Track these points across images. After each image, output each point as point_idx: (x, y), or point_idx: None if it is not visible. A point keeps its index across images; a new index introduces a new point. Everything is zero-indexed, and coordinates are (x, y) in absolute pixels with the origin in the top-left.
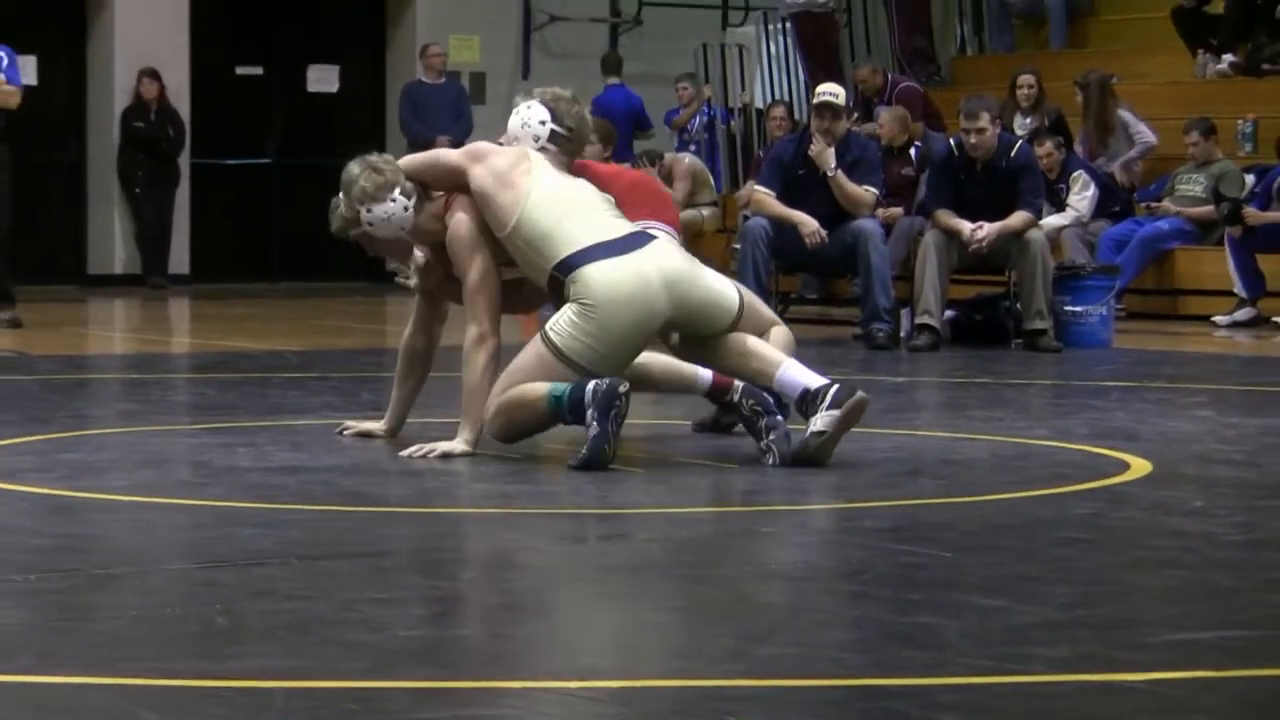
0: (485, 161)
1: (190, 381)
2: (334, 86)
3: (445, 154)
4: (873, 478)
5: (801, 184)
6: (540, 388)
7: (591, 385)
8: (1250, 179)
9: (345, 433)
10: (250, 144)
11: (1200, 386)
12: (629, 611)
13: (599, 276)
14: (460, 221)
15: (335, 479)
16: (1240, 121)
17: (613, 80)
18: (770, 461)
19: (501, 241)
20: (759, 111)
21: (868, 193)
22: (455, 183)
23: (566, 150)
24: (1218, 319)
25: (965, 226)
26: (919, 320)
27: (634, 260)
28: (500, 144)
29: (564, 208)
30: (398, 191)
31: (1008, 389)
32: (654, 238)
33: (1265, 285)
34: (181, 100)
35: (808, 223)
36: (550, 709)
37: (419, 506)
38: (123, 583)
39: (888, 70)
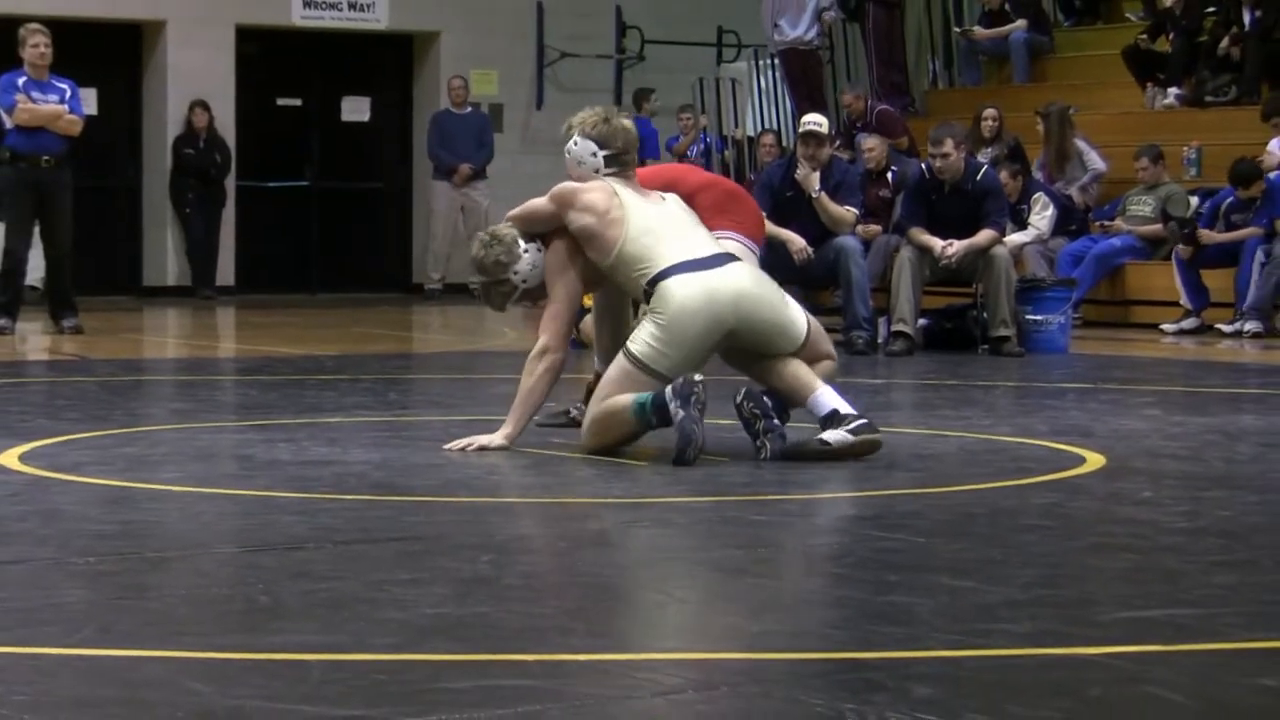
0: (579, 202)
1: (235, 383)
2: (366, 116)
3: (539, 205)
4: (853, 470)
5: (789, 205)
6: (625, 399)
7: (669, 386)
8: (1195, 200)
9: (467, 448)
10: (290, 169)
11: (1149, 388)
12: (634, 592)
13: (675, 290)
14: (556, 246)
15: (367, 471)
16: (1186, 148)
17: (641, 114)
18: (762, 455)
19: (604, 270)
20: (750, 139)
21: (849, 212)
22: (555, 225)
23: (624, 163)
24: (1165, 327)
25: (936, 243)
26: (895, 328)
27: (709, 276)
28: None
29: (658, 233)
30: (523, 244)
31: (975, 390)
32: (736, 259)
33: (1209, 297)
34: (228, 129)
35: (796, 240)
36: (562, 680)
37: (444, 496)
38: (174, 565)
39: (868, 97)
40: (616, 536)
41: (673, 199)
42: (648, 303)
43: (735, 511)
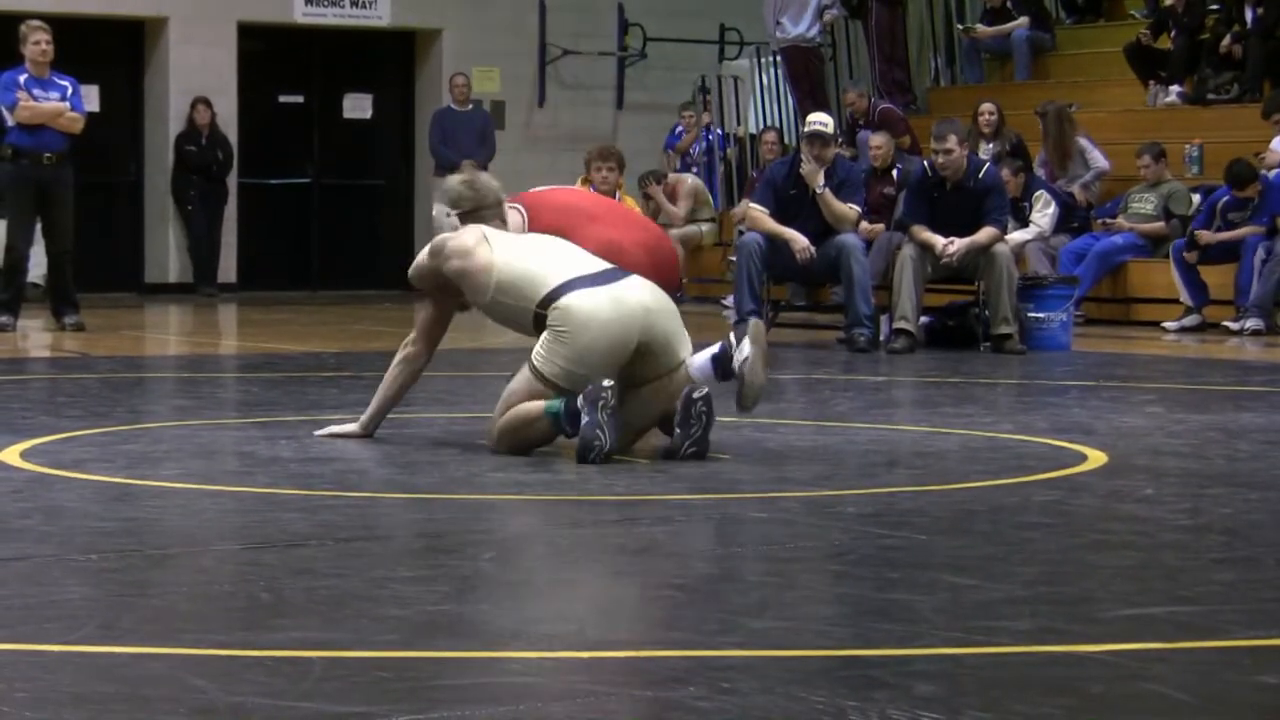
0: (447, 249)
1: (237, 380)
2: (368, 113)
3: (420, 261)
4: (854, 468)
5: (792, 202)
6: (537, 406)
7: (582, 393)
8: (1197, 198)
9: (319, 433)
10: (292, 166)
11: (1150, 386)
12: (633, 589)
13: (578, 304)
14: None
15: (369, 468)
16: (1188, 146)
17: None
18: (686, 451)
19: (484, 310)
20: (753, 136)
21: (852, 210)
22: (436, 283)
23: (482, 218)
24: (1166, 325)
25: (938, 241)
26: (896, 325)
27: (612, 289)
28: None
29: (536, 257)
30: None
31: (976, 388)
32: (629, 273)
33: (1209, 294)
34: (230, 126)
35: (798, 239)
36: (561, 677)
37: (444, 494)
38: (176, 562)
39: (871, 95)
40: (617, 534)
41: (544, 236)
42: (539, 329)
43: (735, 509)
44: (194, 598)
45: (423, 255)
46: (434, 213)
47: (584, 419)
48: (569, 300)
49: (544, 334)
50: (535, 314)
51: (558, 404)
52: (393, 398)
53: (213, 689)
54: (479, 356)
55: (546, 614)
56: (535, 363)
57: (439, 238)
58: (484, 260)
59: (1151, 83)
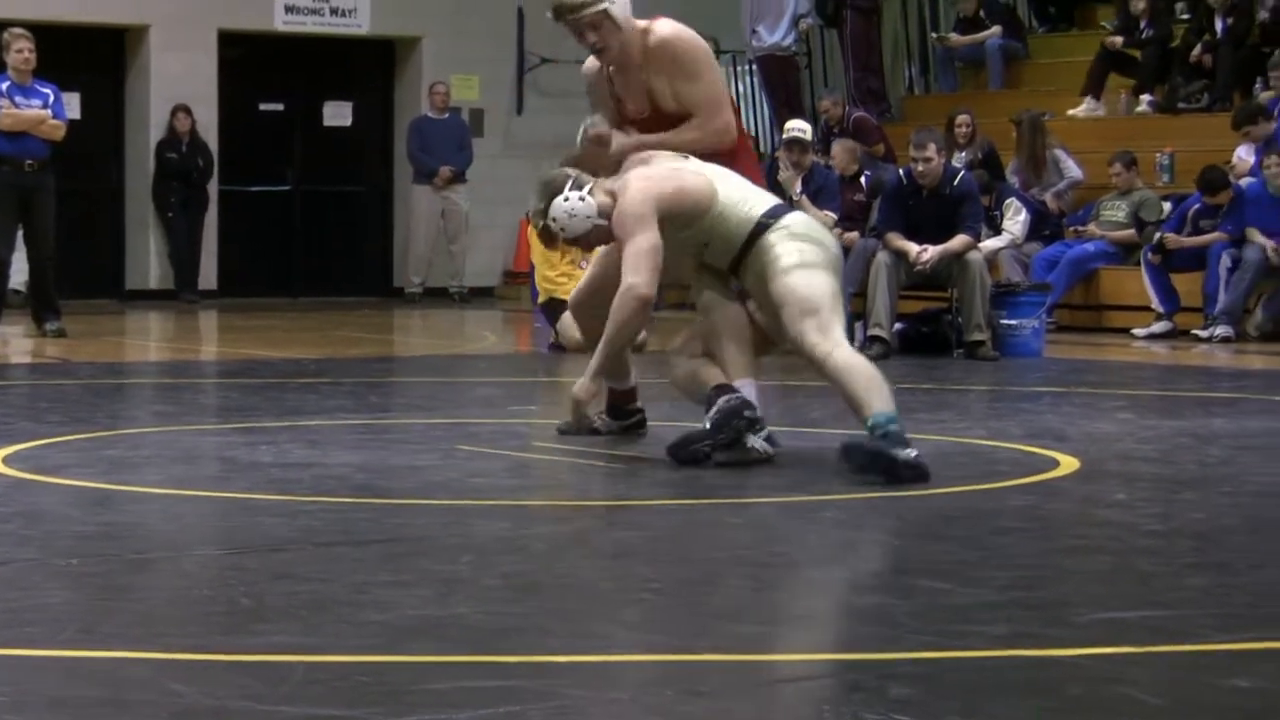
0: (655, 178)
1: (217, 386)
2: (348, 121)
3: (643, 227)
4: (830, 473)
5: None
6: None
7: (900, 442)
8: (1168, 206)
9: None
10: (273, 173)
11: (1122, 392)
12: (612, 593)
13: (808, 222)
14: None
15: (348, 474)
16: (1159, 154)
17: None
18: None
19: (695, 233)
20: None
21: (828, 216)
22: (637, 226)
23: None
24: (1137, 332)
25: (913, 249)
26: (871, 332)
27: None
28: (559, 230)
29: (727, 175)
30: (570, 191)
31: (950, 394)
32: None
33: (1179, 301)
34: (210, 133)
35: None
36: (543, 680)
37: (423, 499)
38: (157, 567)
39: (846, 103)
40: (596, 538)
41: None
42: (750, 244)
43: (713, 514)
44: (174, 602)
45: (630, 204)
46: (574, 208)
47: (906, 454)
48: (798, 217)
49: (789, 242)
50: (759, 224)
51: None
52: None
53: (193, 693)
54: (457, 363)
55: (525, 618)
56: (811, 261)
57: (627, 180)
58: (698, 178)
59: (1124, 91)
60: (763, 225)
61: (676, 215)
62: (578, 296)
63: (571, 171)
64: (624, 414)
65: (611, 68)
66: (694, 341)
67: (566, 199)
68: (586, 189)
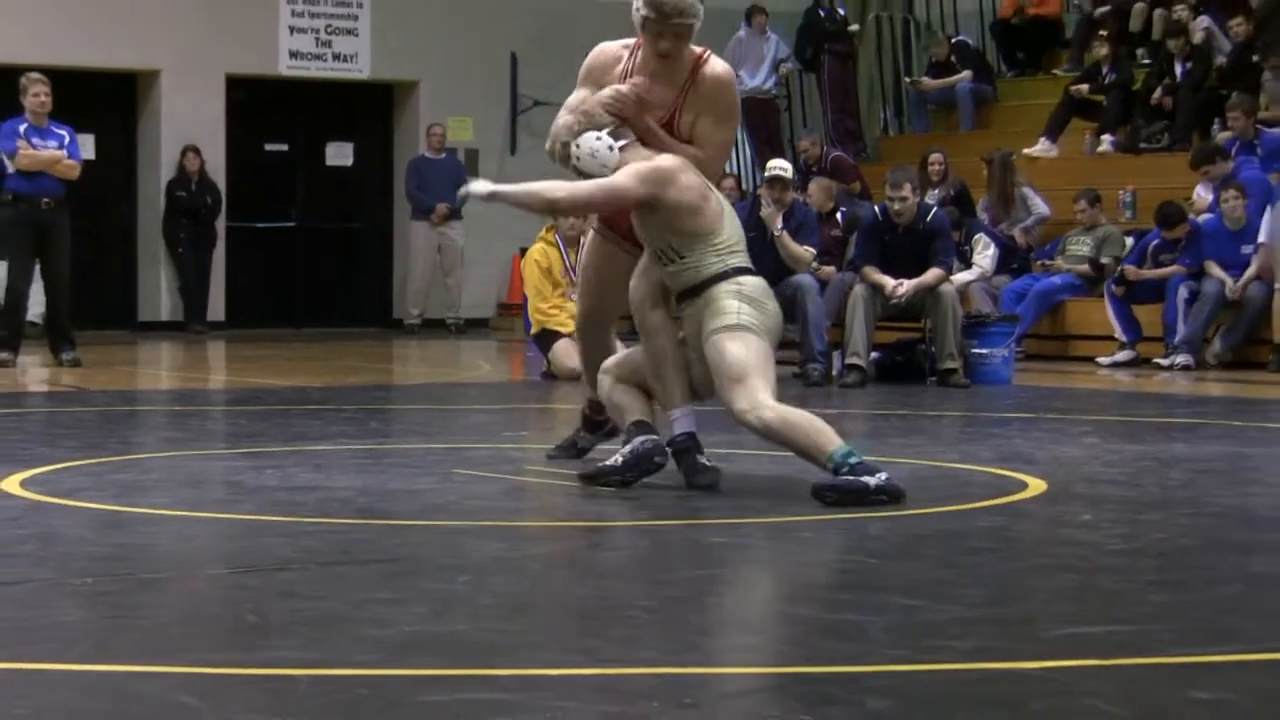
0: (677, 183)
1: (225, 413)
2: (349, 160)
3: (629, 178)
4: (808, 495)
5: (752, 244)
6: (831, 441)
7: (868, 472)
8: (1130, 241)
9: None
10: (277, 210)
11: (1087, 418)
12: (600, 610)
13: (764, 289)
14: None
15: (350, 497)
16: (1122, 192)
17: None
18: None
19: (667, 226)
20: None
21: (807, 251)
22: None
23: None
24: (1101, 360)
25: (888, 282)
26: (848, 361)
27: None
28: (579, 168)
29: (728, 217)
30: (596, 133)
31: (924, 419)
32: None
33: (1141, 331)
34: (218, 173)
35: None
36: (534, 693)
37: (422, 520)
38: (166, 585)
39: (824, 143)
40: (584, 557)
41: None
42: (712, 283)
43: (696, 535)
44: (184, 619)
45: (630, 180)
46: (591, 148)
47: (874, 481)
48: (755, 281)
49: (735, 300)
50: (726, 271)
51: (849, 452)
52: None
53: (202, 706)
54: (453, 391)
55: (518, 634)
56: (747, 324)
57: (657, 166)
58: (718, 204)
59: (1088, 133)
60: (726, 274)
61: (679, 207)
62: (581, 323)
63: (617, 122)
64: (595, 425)
65: (647, 75)
66: (626, 365)
67: (599, 138)
68: (620, 143)
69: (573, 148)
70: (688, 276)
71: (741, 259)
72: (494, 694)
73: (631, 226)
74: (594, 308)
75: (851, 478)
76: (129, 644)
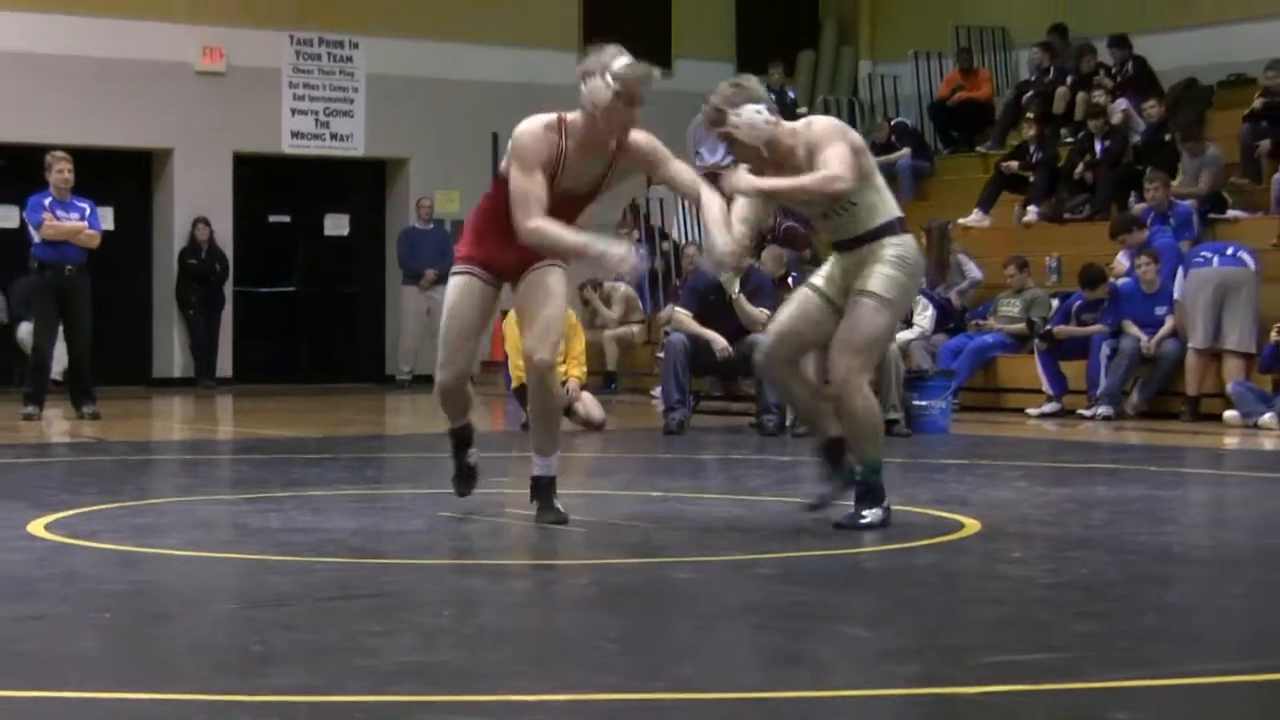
0: (851, 139)
1: (232, 461)
2: (345, 230)
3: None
4: (764, 534)
5: (712, 306)
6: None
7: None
8: (1055, 303)
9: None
10: (280, 276)
11: (1018, 463)
12: (577, 640)
13: (915, 247)
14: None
15: (345, 537)
16: (1048, 258)
17: None
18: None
19: (861, 181)
20: (676, 248)
21: (762, 313)
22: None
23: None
24: (1030, 411)
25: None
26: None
27: None
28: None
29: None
30: (754, 105)
31: None
32: None
33: (1067, 385)
34: (226, 241)
35: (718, 340)
36: (512, 717)
37: (411, 559)
38: (178, 619)
39: (778, 214)
40: (560, 592)
41: None
42: (878, 235)
43: (664, 572)
44: (194, 650)
45: (846, 170)
46: (742, 119)
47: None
48: (912, 243)
49: (895, 270)
50: (891, 224)
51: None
52: None
53: None
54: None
55: (498, 662)
56: (888, 296)
57: (845, 142)
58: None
59: (1017, 204)
60: (892, 227)
61: (862, 156)
62: (454, 384)
63: (769, 99)
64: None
65: (578, 146)
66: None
67: (760, 111)
68: (777, 119)
69: (731, 115)
70: (859, 221)
71: (895, 202)
72: (476, 717)
73: (495, 256)
74: (464, 370)
75: (877, 479)
76: (144, 673)
